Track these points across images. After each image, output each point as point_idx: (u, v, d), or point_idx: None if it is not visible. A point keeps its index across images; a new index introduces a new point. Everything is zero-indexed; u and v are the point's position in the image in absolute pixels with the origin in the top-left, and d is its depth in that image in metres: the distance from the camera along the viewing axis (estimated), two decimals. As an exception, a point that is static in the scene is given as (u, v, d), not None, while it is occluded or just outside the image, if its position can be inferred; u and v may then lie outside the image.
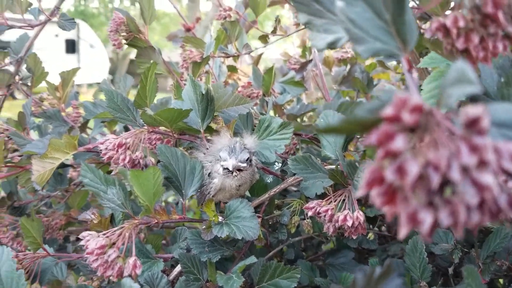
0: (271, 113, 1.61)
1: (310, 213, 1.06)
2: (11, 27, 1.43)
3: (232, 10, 1.77)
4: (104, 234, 0.95)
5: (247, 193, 1.30)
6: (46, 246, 1.16)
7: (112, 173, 1.25)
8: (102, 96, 1.25)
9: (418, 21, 1.24)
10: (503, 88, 0.75)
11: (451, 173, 0.36)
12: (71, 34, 19.95)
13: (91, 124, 1.75)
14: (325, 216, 1.04)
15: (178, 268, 1.16)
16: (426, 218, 0.37)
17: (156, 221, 1.05)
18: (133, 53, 1.55)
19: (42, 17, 1.47)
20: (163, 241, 1.71)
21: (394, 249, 1.48)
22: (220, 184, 1.10)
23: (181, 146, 1.29)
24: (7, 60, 1.53)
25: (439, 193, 0.38)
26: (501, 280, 1.44)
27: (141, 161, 1.13)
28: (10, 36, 1.63)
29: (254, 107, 1.56)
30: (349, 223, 1.01)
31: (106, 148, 1.10)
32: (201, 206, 1.14)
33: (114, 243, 0.94)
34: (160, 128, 1.17)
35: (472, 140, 0.37)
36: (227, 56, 1.74)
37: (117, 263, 0.92)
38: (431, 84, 0.85)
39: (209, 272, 1.10)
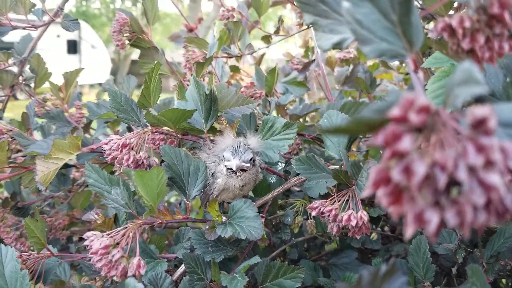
0: (274, 113, 1.61)
1: (314, 213, 1.06)
2: (15, 27, 1.43)
3: (235, 10, 1.77)
4: (108, 234, 0.95)
5: (251, 193, 1.30)
6: (49, 246, 1.16)
7: (116, 173, 1.25)
8: (105, 97, 1.25)
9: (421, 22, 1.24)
10: (508, 88, 0.75)
11: (457, 173, 0.36)
12: (72, 35, 19.94)
13: (94, 125, 1.75)
14: (329, 216, 1.04)
15: (181, 268, 1.16)
16: (433, 218, 0.37)
17: (160, 221, 1.05)
18: (134, 54, 1.55)
19: (46, 18, 1.47)
20: (166, 241, 1.71)
21: (397, 249, 1.48)
22: (224, 184, 1.10)
23: (184, 146, 1.29)
24: (10, 61, 1.53)
25: (445, 193, 0.38)
26: (503, 280, 1.44)
27: (144, 161, 1.13)
28: (14, 37, 1.63)
29: (257, 108, 1.56)
30: (353, 223, 1.01)
31: (110, 149, 1.10)
32: (205, 206, 1.14)
33: (118, 243, 0.94)
34: (164, 128, 1.17)
35: (479, 140, 0.37)
36: (230, 56, 1.74)
37: (121, 263, 0.92)
38: (435, 84, 0.85)
39: (213, 272, 1.10)
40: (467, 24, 0.52)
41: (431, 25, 1.42)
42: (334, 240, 1.50)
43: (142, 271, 0.93)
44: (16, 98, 1.70)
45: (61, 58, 17.96)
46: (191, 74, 1.30)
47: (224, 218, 1.09)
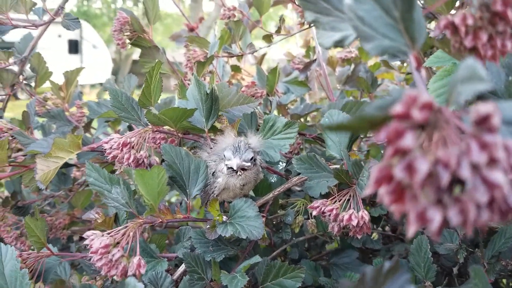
0: (275, 112, 1.61)
1: (314, 213, 1.06)
2: (15, 26, 1.43)
3: (236, 10, 1.77)
4: (108, 234, 0.94)
5: (251, 193, 1.30)
6: (49, 246, 1.16)
7: (117, 172, 1.25)
8: (106, 96, 1.25)
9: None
10: (510, 87, 0.74)
11: (461, 171, 0.36)
12: (74, 35, 19.96)
13: (94, 124, 1.75)
14: (330, 215, 1.04)
15: (182, 267, 1.15)
16: (435, 217, 0.37)
17: (161, 220, 1.04)
18: (135, 54, 1.55)
19: (46, 17, 1.47)
20: (166, 241, 1.71)
21: (398, 249, 1.47)
22: (224, 184, 1.10)
23: (185, 145, 1.29)
24: (11, 60, 1.53)
25: (448, 191, 0.37)
26: (504, 280, 1.44)
27: (145, 160, 1.12)
28: (14, 36, 1.63)
29: (258, 107, 1.56)
30: (354, 222, 1.01)
31: (110, 148, 1.09)
32: (205, 206, 1.14)
33: (118, 243, 0.94)
34: (165, 127, 1.17)
35: (482, 138, 0.37)
36: (231, 55, 1.74)
37: (121, 263, 0.91)
38: (437, 83, 0.85)
39: (213, 271, 1.10)
40: (470, 21, 0.51)
41: (432, 24, 1.42)
42: (335, 239, 1.50)
43: (142, 271, 0.92)
44: (17, 98, 1.69)
45: (62, 58, 17.96)
46: (192, 73, 1.30)
47: (224, 218, 1.09)
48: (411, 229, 0.37)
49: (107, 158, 1.10)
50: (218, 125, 1.21)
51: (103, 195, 1.09)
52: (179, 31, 2.37)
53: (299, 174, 1.18)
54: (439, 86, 0.84)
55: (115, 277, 0.92)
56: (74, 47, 20.59)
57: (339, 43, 0.61)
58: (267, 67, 1.83)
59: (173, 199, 2.49)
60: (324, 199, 1.07)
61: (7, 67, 1.52)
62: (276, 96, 1.67)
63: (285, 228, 1.29)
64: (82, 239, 0.96)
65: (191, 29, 2.24)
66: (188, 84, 1.23)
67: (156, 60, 1.10)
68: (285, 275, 1.12)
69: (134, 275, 0.91)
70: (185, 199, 1.12)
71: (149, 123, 1.14)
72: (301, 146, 1.58)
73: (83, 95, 1.94)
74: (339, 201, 1.07)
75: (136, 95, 1.18)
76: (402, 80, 2.28)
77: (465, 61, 0.43)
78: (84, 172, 1.16)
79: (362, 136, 1.74)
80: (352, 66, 2.07)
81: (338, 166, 1.15)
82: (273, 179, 1.34)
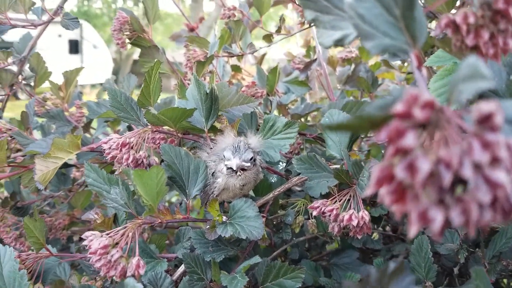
0: (275, 112, 1.61)
1: (315, 213, 1.05)
2: (14, 26, 1.43)
3: (236, 9, 1.76)
4: (107, 234, 0.94)
5: (252, 193, 1.30)
6: (49, 246, 1.15)
7: (116, 172, 1.25)
8: (105, 96, 1.24)
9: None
10: (512, 86, 0.74)
11: (463, 170, 0.36)
12: (74, 35, 19.96)
13: (94, 124, 1.75)
14: (330, 215, 1.04)
15: (181, 268, 1.15)
16: (437, 217, 0.37)
17: (160, 220, 1.04)
18: (136, 54, 1.55)
19: (46, 17, 1.46)
20: (167, 241, 1.70)
21: (399, 249, 1.47)
22: (224, 184, 1.10)
23: (184, 145, 1.29)
24: (10, 60, 1.52)
25: (450, 191, 0.37)
26: (505, 280, 1.43)
27: (144, 160, 1.12)
28: (14, 36, 1.62)
29: (258, 107, 1.56)
30: (354, 222, 1.00)
31: (109, 148, 1.09)
32: (205, 206, 1.14)
33: (117, 243, 0.94)
34: (164, 127, 1.17)
35: (485, 137, 0.36)
36: (231, 55, 1.73)
37: (120, 263, 0.91)
38: (438, 82, 0.85)
39: (213, 272, 1.10)
40: (471, 20, 0.51)
41: (433, 24, 1.42)
42: (335, 240, 1.49)
43: (142, 271, 0.92)
44: (17, 98, 1.69)
45: (63, 58, 17.94)
46: (192, 73, 1.29)
47: (224, 218, 1.08)
48: (413, 230, 0.37)
49: (106, 158, 1.10)
50: (218, 125, 1.21)
51: (102, 196, 1.09)
52: (179, 31, 2.37)
53: (299, 174, 1.18)
54: (439, 86, 0.84)
55: (114, 278, 0.92)
56: (74, 47, 20.59)
57: (339, 42, 0.60)
58: (268, 67, 1.83)
59: (174, 199, 2.49)
60: (324, 199, 1.07)
61: (6, 67, 1.52)
62: (276, 96, 1.67)
63: (285, 228, 1.29)
64: (82, 239, 0.96)
65: (191, 29, 2.24)
66: (188, 84, 1.22)
67: (155, 60, 1.10)
68: (285, 276, 1.11)
69: (133, 275, 0.91)
70: (185, 199, 1.11)
71: (148, 123, 1.13)
72: (302, 146, 1.58)
73: (84, 95, 1.93)
74: (339, 201, 1.06)
75: (135, 95, 1.18)
76: (403, 80, 2.27)
77: (467, 59, 0.42)
78: (84, 172, 1.16)
79: (362, 136, 1.74)
80: (353, 66, 2.06)
81: (338, 166, 1.14)
82: (273, 179, 1.33)
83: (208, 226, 1.10)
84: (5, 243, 1.42)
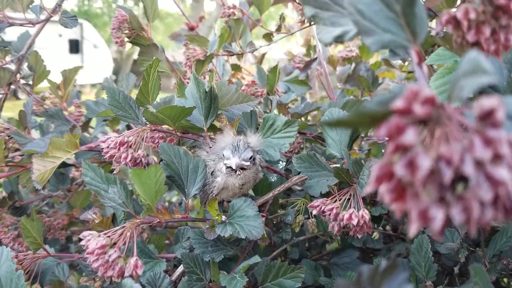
0: (275, 112, 1.60)
1: (314, 212, 1.05)
2: (11, 24, 1.42)
3: (236, 8, 1.76)
4: (105, 234, 0.93)
5: (251, 192, 1.29)
6: (46, 246, 1.15)
7: (114, 172, 1.24)
8: (104, 95, 1.24)
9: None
10: (513, 83, 0.74)
11: (464, 168, 0.35)
12: (74, 34, 19.98)
13: (93, 123, 1.74)
14: (330, 214, 1.03)
15: (180, 268, 1.15)
16: (438, 215, 0.36)
17: (158, 220, 1.03)
18: (136, 53, 1.54)
19: (44, 15, 1.46)
20: (167, 241, 1.70)
21: (399, 248, 1.47)
22: (223, 183, 1.09)
23: (184, 145, 1.28)
24: (8, 58, 1.52)
25: (451, 189, 0.36)
26: (505, 280, 1.43)
27: (143, 159, 1.11)
28: (13, 36, 1.62)
29: (258, 106, 1.55)
30: (354, 221, 1.00)
31: (107, 147, 1.08)
32: (204, 205, 1.13)
33: (115, 243, 0.93)
34: (163, 126, 1.16)
35: (486, 133, 0.35)
36: (231, 54, 1.72)
37: (118, 263, 0.90)
38: (438, 81, 0.84)
39: (212, 272, 1.09)
40: (472, 15, 0.50)
41: (434, 23, 1.41)
42: (335, 239, 1.49)
43: (140, 271, 0.91)
44: (17, 98, 1.69)
45: (63, 58, 17.94)
46: (191, 72, 1.29)
47: (223, 217, 1.08)
48: (413, 228, 0.36)
49: (105, 157, 1.09)
50: (217, 124, 1.21)
51: (100, 195, 1.08)
52: (179, 30, 2.37)
53: (299, 173, 1.17)
54: (440, 84, 0.83)
55: (113, 278, 0.91)
56: (74, 46, 20.59)
57: (339, 39, 0.60)
58: (268, 66, 1.83)
59: (174, 199, 2.48)
60: (324, 198, 1.07)
61: (4, 66, 1.51)
62: (276, 95, 1.66)
63: (285, 227, 1.28)
64: (81, 239, 0.95)
65: (191, 28, 2.23)
66: (188, 83, 1.22)
67: (154, 58, 1.09)
68: (285, 275, 1.11)
69: (131, 276, 0.90)
70: (184, 198, 1.11)
71: (147, 122, 1.13)
72: (302, 146, 1.57)
73: (84, 95, 1.93)
74: (339, 200, 1.06)
75: (134, 94, 1.17)
76: (403, 79, 2.27)
77: (468, 54, 0.42)
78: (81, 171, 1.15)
79: (363, 135, 1.74)
80: (353, 65, 2.06)
81: (338, 165, 1.14)
82: (273, 178, 1.33)
83: (207, 226, 1.09)
84: (3, 243, 1.42)
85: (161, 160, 1.10)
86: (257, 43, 1.79)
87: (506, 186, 0.34)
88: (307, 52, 2.20)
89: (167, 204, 2.11)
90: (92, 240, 0.91)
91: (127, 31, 1.47)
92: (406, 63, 2.17)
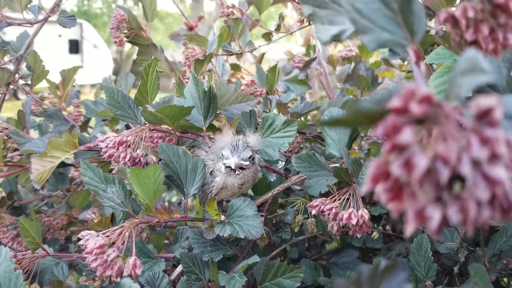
0: (275, 111, 1.60)
1: (314, 212, 1.05)
2: (9, 24, 1.42)
3: (235, 8, 1.75)
4: (103, 234, 0.93)
5: (250, 192, 1.29)
6: (45, 246, 1.15)
7: (113, 171, 1.24)
8: (103, 95, 1.24)
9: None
10: (512, 82, 0.74)
11: (461, 167, 0.35)
12: (74, 35, 19.99)
13: (92, 123, 1.74)
14: (329, 214, 1.03)
15: (179, 268, 1.14)
16: (434, 214, 0.36)
17: (157, 220, 1.03)
18: (136, 53, 1.54)
19: (43, 15, 1.46)
20: (166, 241, 1.70)
21: (399, 248, 1.47)
22: (222, 183, 1.09)
23: (183, 144, 1.28)
24: (6, 58, 1.52)
25: (448, 188, 0.36)
26: (505, 279, 1.43)
27: (142, 159, 1.11)
28: (13, 37, 1.62)
29: (258, 106, 1.55)
30: (354, 221, 1.00)
31: (106, 146, 1.08)
32: (203, 205, 1.13)
33: (113, 243, 0.93)
34: (162, 126, 1.16)
35: (483, 132, 0.35)
36: (230, 53, 1.72)
37: (116, 263, 0.90)
38: (437, 80, 0.84)
39: (211, 271, 1.09)
40: (471, 14, 0.50)
41: (433, 23, 1.41)
42: (335, 239, 1.49)
43: (138, 271, 0.91)
44: (17, 98, 1.70)
45: (63, 58, 17.95)
46: (190, 71, 1.28)
47: (222, 217, 1.08)
48: (409, 228, 0.36)
49: (103, 157, 1.09)
50: (216, 123, 1.20)
51: (99, 195, 1.08)
52: (178, 29, 2.37)
53: (298, 173, 1.17)
54: (439, 83, 0.83)
55: (112, 278, 0.91)
56: (74, 47, 20.59)
57: (337, 37, 0.60)
58: (268, 66, 1.83)
59: (174, 199, 2.48)
60: (324, 198, 1.07)
61: (2, 66, 1.51)
62: (276, 94, 1.66)
63: (285, 227, 1.28)
64: (80, 239, 0.95)
65: (190, 28, 2.23)
66: (187, 83, 1.22)
67: (153, 57, 1.09)
68: (284, 275, 1.11)
69: (129, 275, 0.90)
70: (183, 198, 1.11)
71: (146, 122, 1.13)
72: (301, 145, 1.57)
73: (83, 95, 1.93)
74: (339, 200, 1.06)
75: (133, 94, 1.17)
76: (403, 79, 2.27)
77: (466, 52, 0.41)
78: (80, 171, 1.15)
79: (362, 135, 1.74)
80: (353, 64, 2.06)
81: (338, 164, 1.14)
82: (273, 178, 1.33)
83: (206, 226, 1.09)
84: (2, 243, 1.42)
85: (160, 159, 1.10)
86: (257, 43, 1.79)
87: (503, 186, 0.34)
88: (307, 51, 2.20)
89: (166, 204, 2.11)
90: (90, 239, 0.91)
91: (126, 31, 1.47)
92: (406, 62, 2.17)
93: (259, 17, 1.79)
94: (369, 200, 1.23)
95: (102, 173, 1.09)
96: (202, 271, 1.11)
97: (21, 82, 1.61)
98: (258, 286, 1.13)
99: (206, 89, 1.13)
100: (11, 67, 1.54)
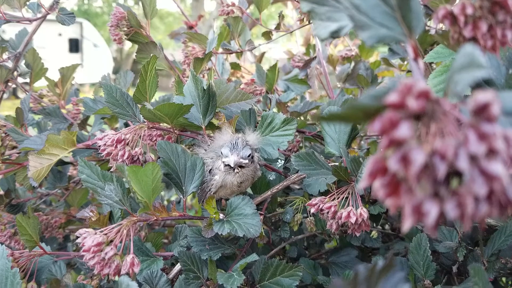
0: (275, 110, 1.60)
1: (313, 210, 1.05)
2: (8, 21, 1.42)
3: (235, 6, 1.75)
4: (101, 231, 0.93)
5: (249, 190, 1.29)
6: (43, 244, 1.15)
7: (111, 169, 1.24)
8: (102, 93, 1.24)
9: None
10: (511, 80, 0.73)
11: (458, 162, 0.35)
12: (74, 34, 19.99)
13: (91, 121, 1.74)
14: (328, 212, 1.03)
15: (178, 266, 1.14)
16: (432, 210, 0.36)
17: (155, 218, 1.03)
18: (136, 52, 1.54)
19: (42, 12, 1.45)
20: (165, 240, 1.70)
21: (398, 247, 1.47)
22: (221, 181, 1.09)
23: (182, 143, 1.28)
24: (5, 56, 1.51)
25: (445, 184, 0.36)
26: (504, 279, 1.43)
27: (140, 157, 1.11)
28: (12, 35, 1.62)
29: (258, 105, 1.55)
30: (353, 219, 1.00)
31: (104, 144, 1.08)
32: (202, 203, 1.13)
33: (111, 241, 0.93)
34: (161, 124, 1.16)
35: (481, 128, 0.35)
36: (230, 52, 1.72)
37: (114, 261, 0.90)
38: (436, 79, 0.84)
39: (210, 270, 1.09)
40: (469, 11, 0.50)
41: (433, 23, 1.41)
42: (334, 238, 1.48)
43: (136, 269, 0.91)
44: (17, 97, 1.69)
45: (63, 57, 17.94)
46: (190, 70, 1.28)
47: (221, 215, 1.08)
48: (407, 224, 0.36)
49: (102, 155, 1.09)
50: (215, 122, 1.20)
51: (97, 192, 1.08)
52: (178, 28, 2.37)
53: (298, 172, 1.17)
54: (438, 82, 0.83)
55: (110, 276, 0.91)
56: (74, 46, 20.58)
57: (335, 34, 0.59)
58: (268, 66, 1.83)
59: (173, 198, 2.48)
60: (323, 196, 1.07)
61: (1, 63, 1.51)
62: (275, 93, 1.66)
63: (284, 226, 1.28)
64: (78, 237, 0.95)
65: (190, 27, 2.23)
66: (186, 81, 1.22)
67: (152, 55, 1.09)
68: (283, 274, 1.11)
69: (127, 273, 0.90)
70: (181, 196, 1.11)
71: (145, 120, 1.13)
72: (301, 144, 1.57)
73: (83, 94, 1.93)
74: (338, 198, 1.05)
75: (132, 92, 1.17)
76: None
77: (464, 48, 0.41)
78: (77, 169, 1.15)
79: (362, 134, 1.74)
80: (352, 64, 2.06)
81: (337, 163, 1.14)
82: (272, 177, 1.33)
83: (204, 224, 1.09)
84: (0, 241, 1.42)
85: (159, 157, 1.10)
86: (257, 42, 1.79)
87: (500, 181, 0.34)
88: (307, 51, 2.20)
89: (166, 203, 2.11)
90: (88, 237, 0.90)
91: (125, 29, 1.47)
92: (405, 62, 2.17)
93: (259, 16, 1.79)
94: (368, 199, 1.23)
95: (100, 170, 1.09)
96: (200, 269, 1.11)
97: (20, 80, 1.61)
98: (257, 284, 1.13)
99: (205, 87, 1.13)
100: (9, 64, 1.54)
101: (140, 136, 1.12)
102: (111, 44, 20.93)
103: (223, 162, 1.07)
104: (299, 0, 0.64)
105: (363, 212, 1.01)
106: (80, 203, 1.71)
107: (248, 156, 1.06)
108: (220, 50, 1.67)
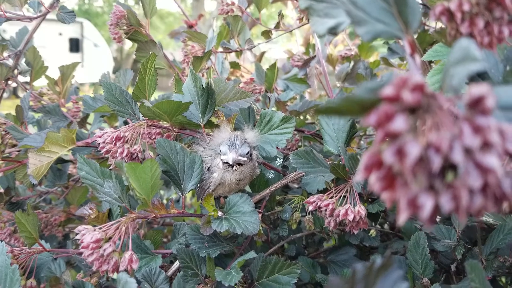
0: (274, 109, 1.60)
1: (310, 208, 1.05)
2: (8, 19, 1.42)
3: (234, 5, 1.75)
4: (100, 228, 0.93)
5: (248, 188, 1.29)
6: (42, 242, 1.15)
7: (111, 167, 1.24)
8: (101, 91, 1.24)
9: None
10: (508, 77, 0.73)
11: (453, 155, 0.35)
12: (75, 33, 19.97)
13: (91, 119, 1.74)
14: (326, 210, 1.03)
15: (176, 263, 1.14)
16: (427, 203, 0.36)
17: (154, 215, 1.03)
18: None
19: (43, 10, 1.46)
20: (164, 239, 1.70)
21: (396, 246, 1.46)
22: (220, 179, 1.09)
23: (182, 141, 1.28)
24: (5, 54, 1.52)
25: (440, 177, 0.36)
26: (503, 279, 1.43)
27: (139, 154, 1.11)
28: (12, 33, 1.62)
29: (257, 104, 1.55)
30: (350, 217, 1.00)
31: (104, 142, 1.08)
32: (201, 201, 1.13)
33: (110, 237, 0.93)
34: (160, 122, 1.16)
35: (476, 121, 0.35)
36: (229, 51, 1.72)
37: (112, 258, 0.90)
38: (435, 77, 0.84)
39: (208, 267, 1.09)
40: (466, 7, 0.50)
41: (432, 23, 1.41)
42: (332, 237, 1.49)
43: (134, 266, 0.91)
44: (17, 96, 1.69)
45: (63, 57, 17.92)
46: (189, 68, 1.28)
47: (220, 213, 1.08)
48: (402, 217, 0.36)
49: (101, 152, 1.09)
50: (214, 120, 1.20)
51: (96, 190, 1.08)
52: (178, 28, 2.37)
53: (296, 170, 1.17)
54: (437, 80, 0.83)
55: (108, 272, 0.91)
56: (75, 45, 20.55)
57: (333, 30, 0.60)
58: (268, 66, 1.83)
59: (173, 196, 2.48)
60: (321, 194, 1.07)
61: (1, 61, 1.51)
62: (275, 92, 1.66)
63: (282, 224, 1.28)
64: (77, 234, 0.95)
65: (190, 26, 2.23)
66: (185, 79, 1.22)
67: (151, 52, 1.09)
68: (281, 271, 1.11)
69: (126, 270, 0.90)
70: (180, 193, 1.11)
71: (144, 118, 1.13)
72: (300, 143, 1.57)
73: (83, 93, 1.92)
74: (336, 196, 1.06)
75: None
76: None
77: (459, 42, 0.41)
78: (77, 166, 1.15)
79: (361, 133, 1.74)
80: (352, 63, 2.06)
81: (336, 161, 1.14)
82: (270, 175, 1.33)
83: (203, 221, 1.09)
84: (0, 238, 1.42)
85: (158, 155, 1.10)
86: (257, 41, 1.79)
87: (495, 174, 0.34)
88: (306, 50, 2.20)
89: (165, 201, 2.11)
90: (87, 234, 0.90)
91: (125, 27, 1.47)
92: (405, 61, 2.17)
93: (259, 16, 1.79)
94: (366, 198, 1.23)
95: (99, 167, 1.09)
96: (199, 266, 1.11)
97: (20, 78, 1.61)
98: (255, 282, 1.13)
99: (204, 85, 1.13)
100: (10, 62, 1.54)
101: (139, 134, 1.13)
102: (111, 44, 20.93)
103: (221, 159, 1.07)
104: (297, -2, 0.64)
105: (361, 209, 1.01)
106: (80, 201, 1.71)
107: (247, 153, 1.07)
108: (220, 49, 1.68)
